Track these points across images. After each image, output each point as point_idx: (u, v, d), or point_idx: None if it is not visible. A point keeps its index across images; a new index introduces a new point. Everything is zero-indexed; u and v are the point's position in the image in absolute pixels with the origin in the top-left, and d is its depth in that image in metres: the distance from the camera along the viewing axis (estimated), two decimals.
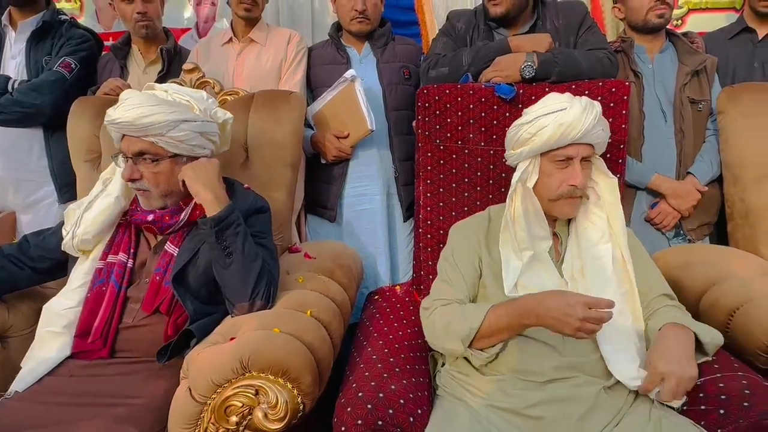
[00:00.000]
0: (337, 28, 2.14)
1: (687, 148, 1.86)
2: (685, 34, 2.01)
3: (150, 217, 1.37)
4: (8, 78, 2.00)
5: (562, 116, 1.24)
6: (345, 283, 1.61)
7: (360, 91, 1.91)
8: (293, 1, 2.52)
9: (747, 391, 1.11)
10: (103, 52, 2.24)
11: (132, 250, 1.39)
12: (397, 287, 1.80)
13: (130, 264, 1.37)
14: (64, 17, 2.19)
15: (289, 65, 2.08)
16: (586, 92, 1.68)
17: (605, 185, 1.33)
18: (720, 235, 1.87)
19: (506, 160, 1.41)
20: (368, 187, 2.02)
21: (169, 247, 1.38)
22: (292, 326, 1.16)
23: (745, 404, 1.08)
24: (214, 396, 1.05)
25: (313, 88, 2.10)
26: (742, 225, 1.70)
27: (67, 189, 2.07)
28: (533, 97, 1.65)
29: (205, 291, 1.31)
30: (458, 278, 1.29)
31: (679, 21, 2.37)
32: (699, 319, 1.41)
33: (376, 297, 1.76)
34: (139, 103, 1.29)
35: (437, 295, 1.29)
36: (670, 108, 1.88)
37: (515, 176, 1.32)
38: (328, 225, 2.06)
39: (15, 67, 2.12)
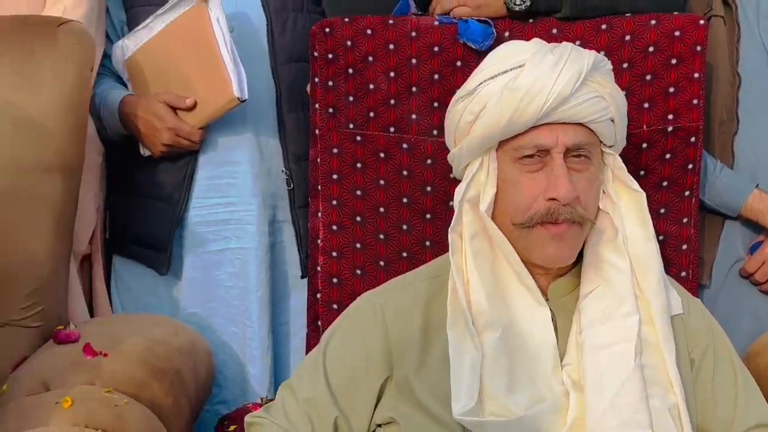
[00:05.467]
0: None
1: None
2: None
3: None
4: None
5: (518, 77, 0.52)
6: (166, 405, 0.66)
7: (219, 21, 0.76)
8: None
9: None
10: None
11: None
12: None
13: None
14: None
15: None
16: (627, 37, 0.69)
17: (628, 205, 0.57)
18: None
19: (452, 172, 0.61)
20: (234, 208, 0.84)
21: None
22: None
23: None
24: None
25: (127, 8, 0.86)
26: None
27: None
28: None
29: None
30: (316, 394, 0.55)
31: None
32: None
33: (230, 430, 0.71)
34: None
35: (277, 409, 0.56)
36: None
37: (458, 192, 0.57)
38: (152, 279, 0.86)
39: None
